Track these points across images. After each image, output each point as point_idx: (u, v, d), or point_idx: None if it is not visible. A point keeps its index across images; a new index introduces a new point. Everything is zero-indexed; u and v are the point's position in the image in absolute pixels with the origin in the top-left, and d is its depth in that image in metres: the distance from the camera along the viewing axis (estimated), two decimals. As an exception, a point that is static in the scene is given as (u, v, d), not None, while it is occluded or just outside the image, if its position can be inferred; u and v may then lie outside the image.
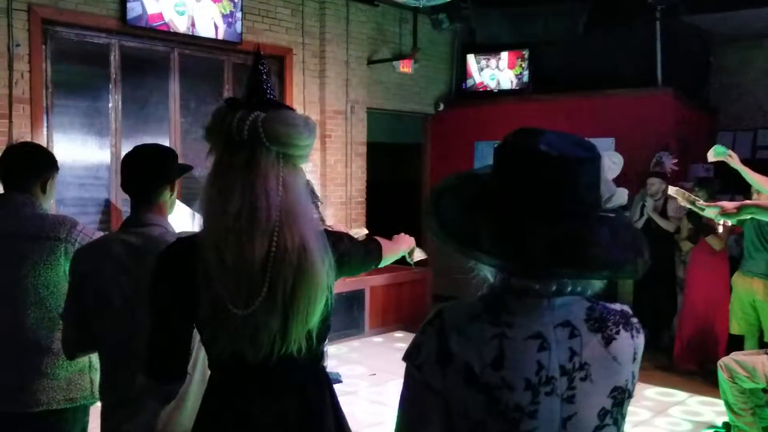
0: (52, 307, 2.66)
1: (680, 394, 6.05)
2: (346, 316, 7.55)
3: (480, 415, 1.34)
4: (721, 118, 9.72)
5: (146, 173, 2.41)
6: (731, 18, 8.49)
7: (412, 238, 2.63)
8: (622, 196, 1.46)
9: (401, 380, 1.42)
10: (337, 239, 1.97)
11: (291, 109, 1.88)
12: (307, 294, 1.77)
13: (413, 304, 8.39)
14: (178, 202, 2.74)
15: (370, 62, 8.93)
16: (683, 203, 4.99)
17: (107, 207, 6.66)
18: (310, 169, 7.67)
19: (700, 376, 6.40)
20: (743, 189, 5.90)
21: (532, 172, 1.34)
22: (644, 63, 8.57)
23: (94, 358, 2.71)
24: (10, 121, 5.90)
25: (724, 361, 4.68)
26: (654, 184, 7.19)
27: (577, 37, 8.57)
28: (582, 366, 1.37)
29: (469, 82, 10.23)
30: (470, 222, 1.38)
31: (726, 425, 4.88)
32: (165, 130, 7.01)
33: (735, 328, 6.01)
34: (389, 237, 2.53)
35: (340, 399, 2.05)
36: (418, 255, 2.78)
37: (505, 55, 9.92)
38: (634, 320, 1.49)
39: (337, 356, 6.83)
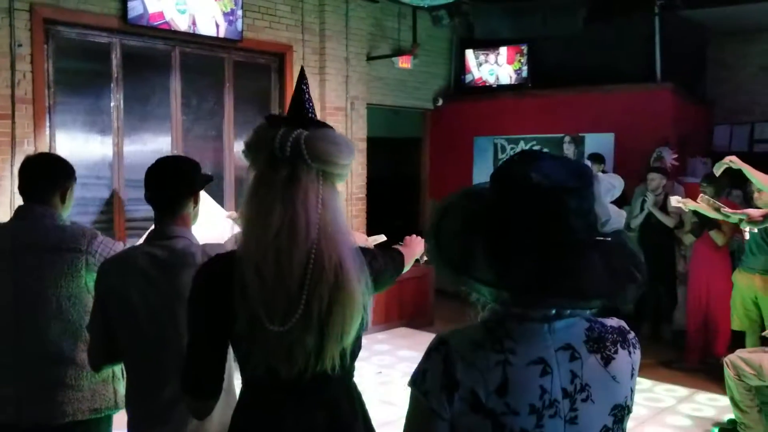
0: (75, 319, 2.67)
1: (685, 391, 6.08)
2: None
3: None
4: (718, 112, 9.78)
5: (170, 185, 2.42)
6: (728, 12, 8.53)
7: (422, 240, 2.62)
8: (619, 219, 1.47)
9: (407, 379, 1.44)
10: (372, 257, 1.98)
11: (331, 128, 1.89)
12: (343, 312, 1.78)
13: (416, 301, 8.41)
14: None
15: (370, 58, 8.92)
16: (709, 211, 5.06)
17: (109, 206, 6.66)
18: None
19: (704, 371, 6.44)
20: (741, 183, 5.96)
21: (521, 201, 1.36)
22: (643, 58, 8.60)
23: (117, 368, 2.72)
24: (13, 122, 5.89)
25: (730, 358, 4.71)
26: (654, 179, 7.22)
27: (576, 32, 8.58)
28: (583, 387, 1.41)
29: (468, 78, 10.24)
30: (465, 248, 1.39)
31: (732, 422, 4.92)
32: (166, 128, 7.00)
33: (737, 324, 6.06)
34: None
35: None
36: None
37: (503, 50, 9.93)
38: (630, 336, 1.52)
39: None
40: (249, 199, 1.83)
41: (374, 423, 2.07)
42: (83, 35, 6.36)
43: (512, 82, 9.92)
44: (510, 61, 9.90)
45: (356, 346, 1.91)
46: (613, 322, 1.51)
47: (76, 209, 6.15)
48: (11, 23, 5.84)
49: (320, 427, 1.89)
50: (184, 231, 2.42)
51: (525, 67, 9.79)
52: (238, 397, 1.97)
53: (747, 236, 5.32)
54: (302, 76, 1.94)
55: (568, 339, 1.42)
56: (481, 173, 9.96)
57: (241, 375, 1.93)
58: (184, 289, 2.33)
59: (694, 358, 6.66)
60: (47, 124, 6.12)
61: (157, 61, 6.90)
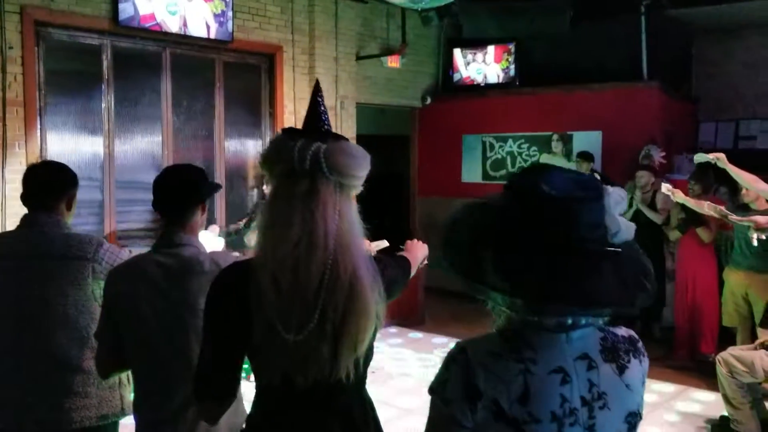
0: (81, 326, 2.69)
1: (676, 387, 6.15)
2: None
3: None
4: (703, 109, 9.87)
5: (178, 194, 2.45)
6: (712, 11, 8.62)
7: (425, 245, 2.64)
8: (629, 231, 1.52)
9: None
10: (384, 266, 2.01)
11: (347, 139, 1.92)
12: (357, 322, 1.81)
13: (407, 300, 8.44)
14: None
15: (359, 58, 8.95)
16: (716, 215, 5.15)
17: (101, 208, 6.66)
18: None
19: (694, 368, 6.51)
20: (728, 180, 6.03)
21: (534, 212, 1.41)
22: (630, 57, 8.66)
23: (124, 374, 2.74)
24: (4, 124, 5.88)
25: (722, 355, 4.79)
26: (643, 176, 7.29)
27: (564, 31, 8.65)
28: (600, 396, 1.46)
29: (456, 77, 10.28)
30: (477, 257, 1.43)
31: (724, 418, 5.00)
32: (157, 129, 7.01)
33: (727, 320, 6.14)
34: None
35: None
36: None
37: (491, 49, 9.97)
38: (640, 344, 1.58)
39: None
40: (267, 210, 1.86)
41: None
42: (74, 37, 6.35)
43: (500, 81, 9.97)
44: (498, 60, 9.95)
45: (369, 354, 1.95)
46: (623, 331, 1.56)
47: (68, 211, 6.14)
48: (2, 25, 5.83)
49: None
50: (191, 239, 2.45)
51: (513, 66, 9.84)
52: (251, 404, 2.00)
53: (755, 241, 5.39)
54: (318, 88, 1.98)
55: (585, 348, 1.47)
56: (470, 171, 10.02)
57: (256, 383, 1.95)
58: (192, 297, 2.36)
59: (683, 354, 6.74)
60: (38, 126, 6.12)
61: (147, 63, 6.90)
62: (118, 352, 2.42)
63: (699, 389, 6.08)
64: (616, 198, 1.47)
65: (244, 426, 2.04)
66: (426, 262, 2.88)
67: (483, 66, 10.06)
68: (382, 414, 2.16)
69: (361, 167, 1.89)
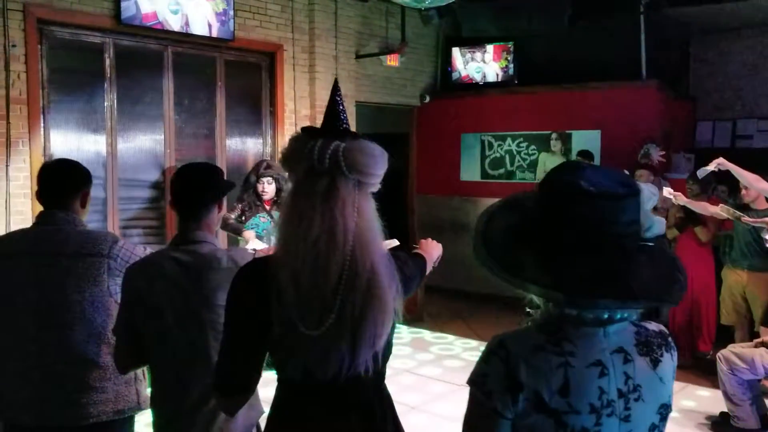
0: (98, 323, 2.71)
1: (676, 384, 6.10)
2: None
3: None
4: (701, 109, 9.93)
5: (195, 193, 2.48)
6: (710, 11, 8.66)
7: (439, 244, 2.68)
8: (660, 226, 1.57)
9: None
10: (402, 263, 2.05)
11: (365, 138, 1.95)
12: (375, 317, 1.85)
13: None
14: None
15: (358, 56, 8.98)
16: (729, 217, 5.22)
17: (103, 206, 6.67)
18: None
19: (693, 366, 6.56)
20: (726, 179, 6.08)
21: (574, 208, 1.45)
22: (628, 56, 8.70)
23: (140, 369, 2.77)
24: (8, 122, 5.88)
25: (723, 353, 4.85)
26: (642, 175, 7.33)
27: (562, 30, 8.69)
28: (635, 388, 1.51)
29: (455, 75, 10.31)
30: (515, 251, 1.49)
31: (724, 415, 5.05)
32: (159, 127, 7.02)
33: (725, 319, 6.20)
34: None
35: None
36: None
37: (490, 47, 10.00)
38: (670, 339, 1.64)
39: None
40: (288, 208, 1.90)
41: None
42: (77, 35, 6.36)
43: (499, 80, 10.00)
44: (496, 59, 9.99)
45: (387, 350, 1.98)
46: (653, 326, 1.61)
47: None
48: (5, 23, 5.83)
49: (354, 430, 1.95)
50: (208, 236, 2.49)
51: (512, 65, 9.87)
52: (273, 398, 2.03)
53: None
54: (336, 88, 2.01)
55: (621, 343, 1.52)
56: (468, 169, 10.06)
57: (277, 377, 1.99)
58: (209, 292, 2.40)
59: (682, 354, 6.79)
60: (41, 124, 6.13)
61: (149, 61, 6.92)
62: (137, 347, 2.45)
63: (699, 386, 6.12)
64: (647, 194, 1.53)
65: (264, 420, 2.08)
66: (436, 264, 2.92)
67: (482, 65, 10.10)
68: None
69: (379, 165, 1.93)
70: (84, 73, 6.51)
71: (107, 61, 6.55)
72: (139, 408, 2.83)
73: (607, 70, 8.75)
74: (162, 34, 6.80)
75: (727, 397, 4.81)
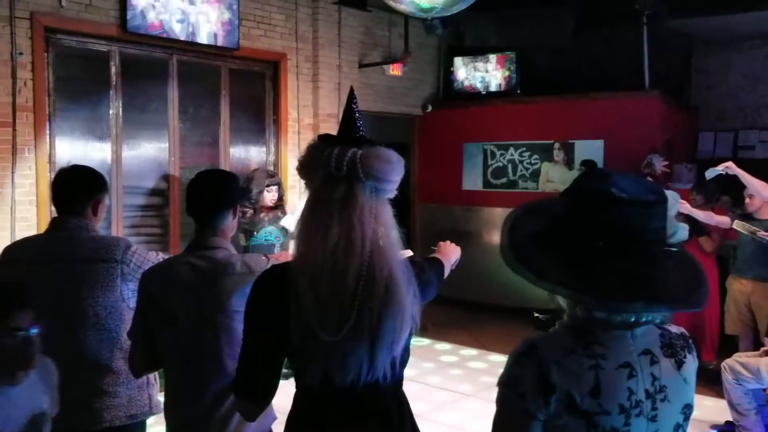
0: (111, 328, 2.73)
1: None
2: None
3: None
4: (703, 119, 9.96)
5: (210, 199, 2.50)
6: (712, 22, 8.71)
7: (458, 247, 2.67)
8: (684, 232, 1.61)
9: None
10: (420, 269, 2.06)
11: (381, 144, 1.97)
12: (393, 323, 1.85)
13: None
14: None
15: (361, 66, 9.01)
16: (744, 232, 5.28)
17: (108, 213, 6.68)
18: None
19: (697, 375, 6.54)
20: (729, 189, 6.10)
21: (607, 215, 1.48)
22: (631, 66, 8.73)
23: (152, 374, 2.78)
24: (14, 129, 5.90)
25: (727, 362, 4.85)
26: (644, 186, 7.33)
27: (565, 41, 8.72)
28: (661, 389, 1.54)
29: (457, 84, 10.32)
30: (543, 255, 1.51)
31: (729, 423, 5.05)
32: (164, 135, 7.04)
33: (730, 329, 6.21)
34: None
35: None
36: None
37: (493, 57, 10.02)
38: (690, 341, 1.67)
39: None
40: (306, 215, 1.91)
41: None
42: (83, 43, 6.39)
43: (501, 89, 10.00)
44: (499, 68, 10.00)
45: (405, 356, 1.99)
46: (674, 329, 1.64)
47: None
48: (12, 31, 5.85)
49: None
50: (223, 242, 2.51)
51: (514, 75, 9.88)
52: (291, 404, 2.04)
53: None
54: (352, 95, 2.03)
55: (647, 345, 1.55)
56: (471, 179, 10.06)
57: (296, 383, 2.00)
58: (223, 297, 2.42)
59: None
60: (47, 131, 6.14)
61: (155, 69, 6.94)
62: (151, 351, 2.47)
63: (703, 395, 6.11)
64: (671, 201, 1.55)
65: (276, 426, 2.08)
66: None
67: (484, 74, 10.12)
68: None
69: (395, 172, 1.95)
70: (90, 81, 6.53)
71: (113, 69, 6.57)
72: (150, 413, 2.84)
73: (610, 81, 8.78)
74: (167, 43, 6.83)
75: (732, 406, 4.82)
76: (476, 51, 10.08)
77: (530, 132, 9.46)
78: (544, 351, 1.50)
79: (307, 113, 8.35)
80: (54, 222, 2.84)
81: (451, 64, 10.36)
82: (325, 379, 1.89)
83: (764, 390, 4.83)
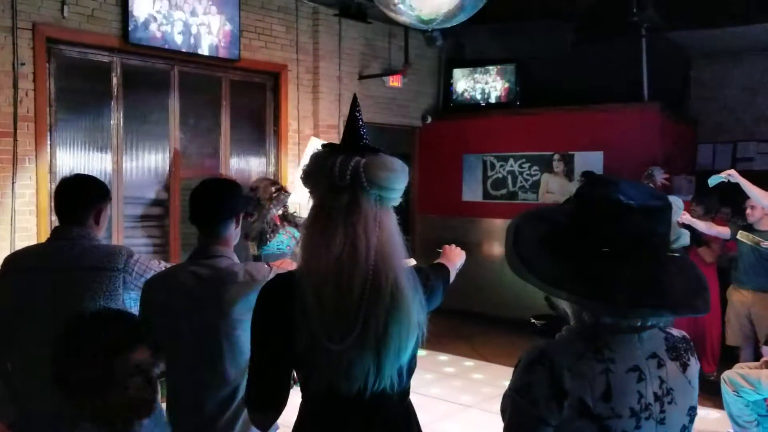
0: (114, 336, 2.72)
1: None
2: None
3: None
4: (701, 131, 9.99)
5: (213, 207, 2.50)
6: (710, 35, 8.75)
7: (463, 251, 2.68)
8: (686, 238, 1.63)
9: None
10: (426, 276, 2.06)
11: (385, 152, 1.97)
12: (399, 331, 1.85)
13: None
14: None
15: (361, 77, 9.04)
16: (750, 243, 5.30)
17: (108, 223, 6.65)
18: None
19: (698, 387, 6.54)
20: (730, 200, 6.10)
21: (615, 222, 1.49)
22: (630, 78, 8.76)
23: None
24: (15, 140, 5.91)
25: (727, 375, 4.84)
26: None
27: (564, 54, 8.75)
28: (668, 392, 1.56)
29: (457, 96, 10.34)
30: (550, 261, 1.52)
31: (730, 436, 5.05)
32: (165, 146, 7.05)
33: (731, 339, 6.20)
34: None
35: None
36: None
37: (492, 69, 10.04)
38: (692, 344, 1.69)
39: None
40: (310, 224, 1.91)
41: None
42: (84, 54, 6.41)
43: (501, 101, 10.02)
44: (499, 80, 10.02)
45: (412, 364, 1.99)
46: (676, 332, 1.66)
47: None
48: (14, 42, 5.87)
49: None
50: (225, 251, 2.51)
51: (514, 86, 9.90)
52: (297, 414, 2.03)
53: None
54: (356, 104, 2.03)
55: (654, 348, 1.57)
56: (470, 190, 10.07)
57: (302, 392, 1.99)
58: (225, 306, 2.42)
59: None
60: (48, 141, 6.15)
61: (156, 80, 6.96)
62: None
63: (703, 407, 6.10)
64: (674, 208, 1.56)
65: None
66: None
67: (484, 86, 10.14)
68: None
69: (399, 180, 1.95)
70: (91, 92, 6.54)
71: (114, 80, 6.59)
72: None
73: (609, 93, 8.79)
74: (169, 54, 6.85)
75: (733, 419, 4.81)
76: (476, 63, 10.12)
77: (530, 143, 9.48)
78: (556, 357, 1.51)
79: (308, 124, 8.37)
80: (56, 231, 2.84)
81: (450, 75, 10.39)
82: (331, 388, 1.88)
83: (765, 400, 4.82)
